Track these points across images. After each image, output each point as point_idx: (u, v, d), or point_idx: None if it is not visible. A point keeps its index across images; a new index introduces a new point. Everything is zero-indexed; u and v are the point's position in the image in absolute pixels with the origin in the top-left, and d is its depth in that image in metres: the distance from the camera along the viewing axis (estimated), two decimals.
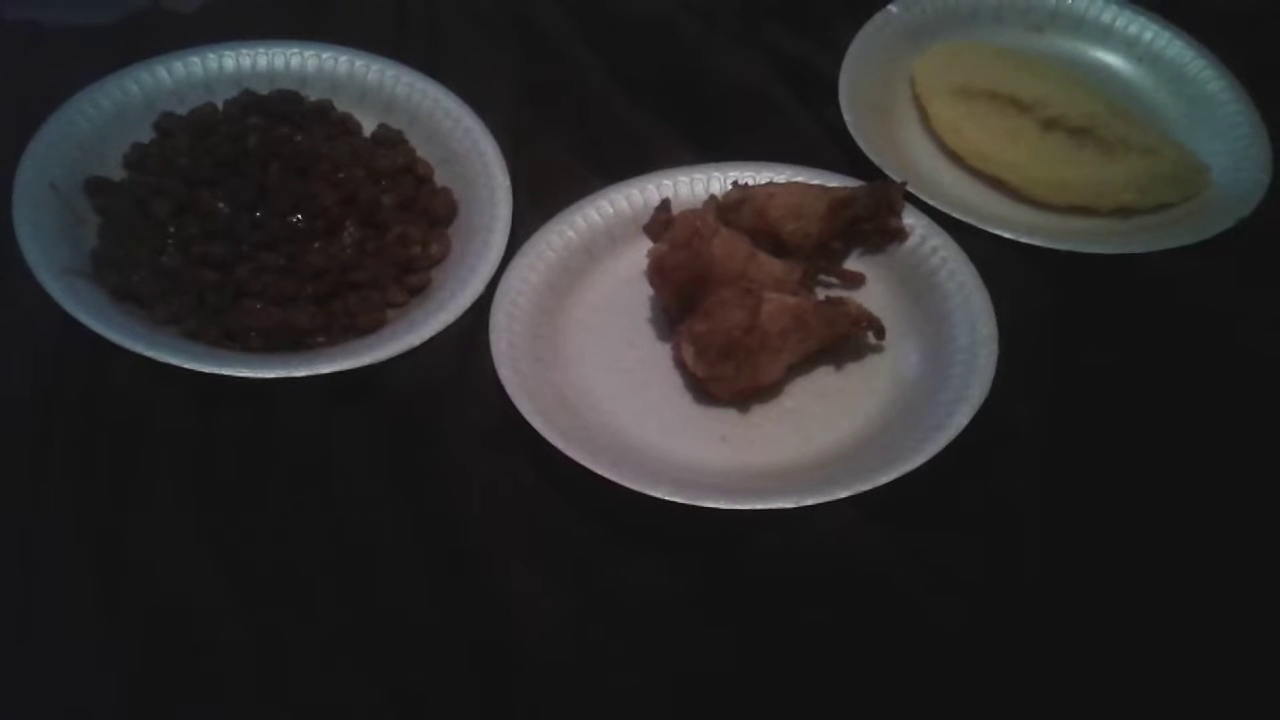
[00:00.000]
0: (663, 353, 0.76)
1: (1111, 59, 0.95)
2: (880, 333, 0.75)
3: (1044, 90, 0.87)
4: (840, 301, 0.75)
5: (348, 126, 0.85)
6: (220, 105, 0.84)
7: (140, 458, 0.68)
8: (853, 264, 0.81)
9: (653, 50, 0.91)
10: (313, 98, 0.86)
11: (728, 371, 0.71)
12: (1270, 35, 0.95)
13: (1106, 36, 0.95)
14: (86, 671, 0.61)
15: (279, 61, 0.87)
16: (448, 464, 0.69)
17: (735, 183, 0.81)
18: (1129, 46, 0.95)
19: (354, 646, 0.63)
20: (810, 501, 0.65)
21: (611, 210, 0.81)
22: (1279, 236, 0.81)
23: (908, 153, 0.88)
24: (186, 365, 0.70)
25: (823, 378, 0.75)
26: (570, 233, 0.80)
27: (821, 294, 0.78)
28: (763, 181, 0.81)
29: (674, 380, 0.75)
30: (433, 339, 0.74)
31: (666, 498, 0.65)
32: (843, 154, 0.85)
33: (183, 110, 0.84)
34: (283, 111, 0.83)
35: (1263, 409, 0.73)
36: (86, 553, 0.65)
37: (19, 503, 0.67)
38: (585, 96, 0.89)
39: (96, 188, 0.79)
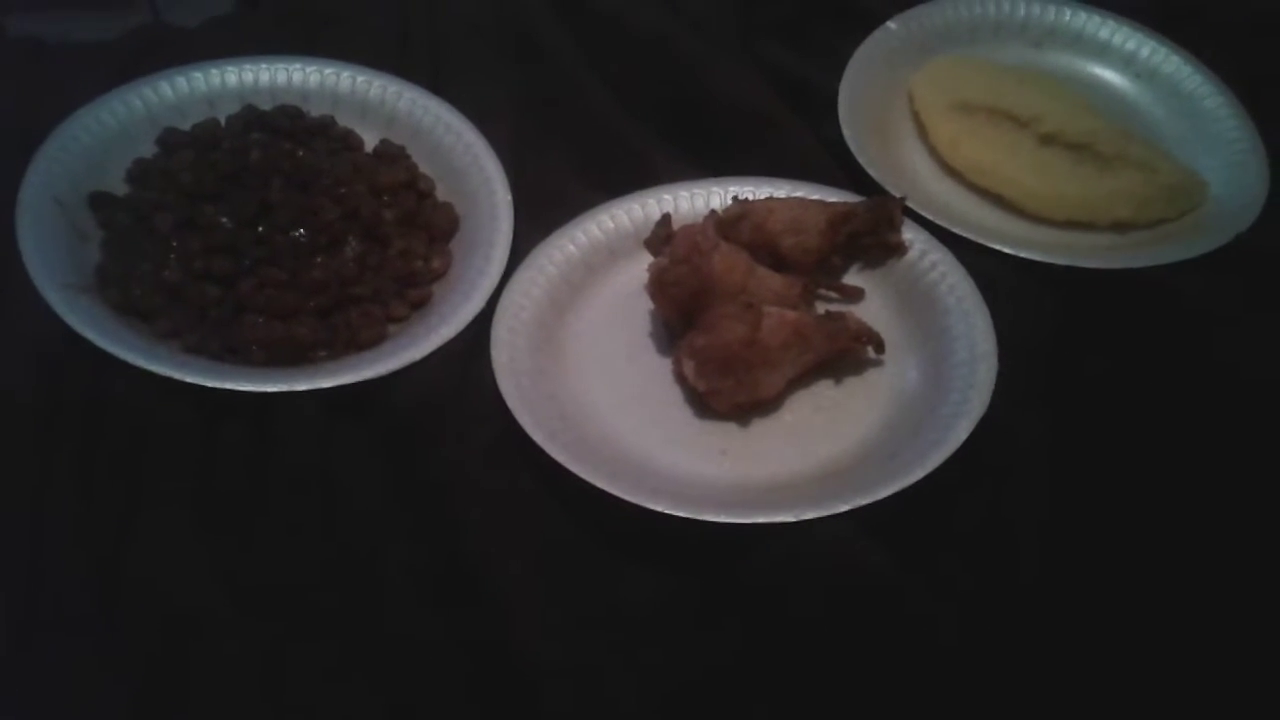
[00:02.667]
0: (663, 367, 0.76)
1: (1109, 75, 0.95)
2: (880, 347, 0.76)
3: (1042, 106, 0.88)
4: (840, 316, 0.76)
5: (349, 142, 0.85)
6: (223, 120, 0.85)
7: (142, 471, 0.68)
8: (852, 279, 0.81)
9: (653, 66, 0.92)
10: (315, 113, 0.86)
11: (728, 385, 0.72)
12: (1267, 51, 0.95)
13: (1104, 52, 0.96)
14: (89, 685, 0.61)
15: (281, 77, 0.87)
16: (449, 477, 0.69)
17: (735, 197, 0.82)
18: (1126, 62, 0.95)
19: (355, 659, 0.63)
20: (810, 515, 0.65)
21: (612, 225, 0.82)
22: (1277, 251, 0.81)
23: (906, 168, 0.88)
24: (188, 379, 0.70)
25: (822, 392, 0.76)
26: (571, 247, 0.80)
27: (821, 308, 0.78)
28: (762, 196, 0.81)
29: (674, 394, 0.75)
30: (434, 353, 0.74)
31: (666, 511, 0.66)
32: (842, 169, 0.85)
33: (185, 125, 0.84)
34: (285, 127, 0.84)
35: (1261, 424, 0.73)
36: (88, 566, 0.65)
37: (21, 516, 0.67)
38: (586, 112, 0.90)
39: (100, 202, 0.79)
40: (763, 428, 0.74)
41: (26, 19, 0.94)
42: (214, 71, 0.87)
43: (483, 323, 0.76)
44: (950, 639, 0.64)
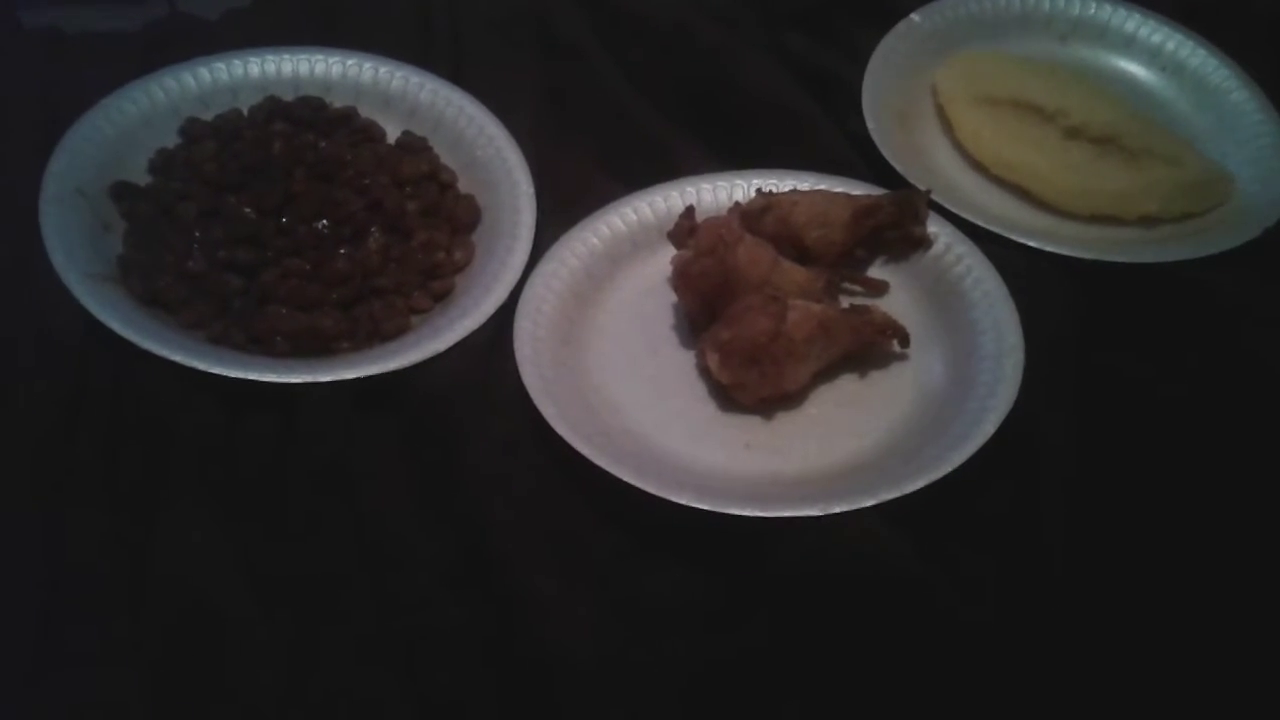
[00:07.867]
0: (687, 359, 0.76)
1: (1135, 68, 0.95)
2: (905, 341, 0.75)
3: (1067, 99, 0.87)
4: (865, 309, 0.75)
5: (371, 133, 0.85)
6: (245, 111, 0.85)
7: (166, 462, 0.68)
8: (876, 272, 0.81)
9: (676, 58, 0.92)
10: (337, 104, 0.86)
11: (752, 378, 0.71)
12: None
13: (1130, 46, 0.95)
14: (112, 674, 0.61)
15: (304, 68, 0.87)
16: (471, 469, 0.69)
17: (759, 190, 0.81)
18: (1153, 56, 0.94)
19: (377, 651, 0.63)
20: (836, 509, 0.65)
21: (635, 217, 0.81)
22: None
23: (931, 161, 0.88)
24: (212, 370, 0.70)
25: (847, 385, 0.75)
26: (594, 239, 0.80)
27: (846, 302, 0.78)
28: (786, 189, 0.81)
29: (698, 387, 0.75)
30: (457, 345, 0.74)
31: (690, 504, 0.65)
32: (866, 162, 0.85)
33: (208, 116, 0.84)
34: (307, 117, 0.84)
35: None
36: (112, 556, 0.65)
37: (45, 506, 0.67)
38: (609, 104, 0.90)
39: (123, 193, 0.79)
40: (787, 421, 0.73)
41: (46, 11, 0.94)
42: (237, 62, 0.86)
43: (505, 315, 0.76)
44: (976, 634, 0.64)
